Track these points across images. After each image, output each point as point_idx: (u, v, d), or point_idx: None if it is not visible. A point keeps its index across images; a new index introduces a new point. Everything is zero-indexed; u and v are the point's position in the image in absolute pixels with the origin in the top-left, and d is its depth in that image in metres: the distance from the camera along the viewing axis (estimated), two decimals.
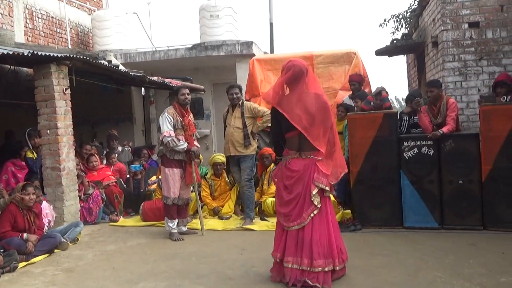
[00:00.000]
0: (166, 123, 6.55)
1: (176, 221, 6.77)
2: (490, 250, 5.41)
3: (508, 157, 6.10)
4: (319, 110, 4.54)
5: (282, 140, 4.74)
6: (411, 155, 6.52)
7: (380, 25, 16.17)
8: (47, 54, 6.80)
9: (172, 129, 6.53)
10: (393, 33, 15.65)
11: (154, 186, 8.75)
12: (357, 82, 7.95)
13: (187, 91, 6.78)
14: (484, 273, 4.67)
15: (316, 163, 4.52)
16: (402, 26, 15.23)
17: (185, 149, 6.59)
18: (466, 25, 7.87)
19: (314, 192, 4.46)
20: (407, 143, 6.55)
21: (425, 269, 4.86)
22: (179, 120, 6.61)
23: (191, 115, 6.93)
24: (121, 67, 9.71)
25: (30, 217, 6.11)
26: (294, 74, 4.58)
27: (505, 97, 6.55)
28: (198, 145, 6.94)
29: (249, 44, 11.64)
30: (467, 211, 6.33)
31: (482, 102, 6.52)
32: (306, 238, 4.47)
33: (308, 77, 4.63)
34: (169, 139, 6.48)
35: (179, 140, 6.53)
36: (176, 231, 6.73)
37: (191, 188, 7.00)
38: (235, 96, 7.29)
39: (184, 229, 6.93)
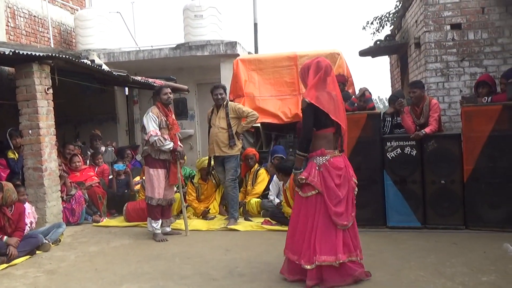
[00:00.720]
0: (152, 122, 6.50)
1: (160, 221, 6.72)
2: (472, 249, 5.47)
3: (489, 157, 6.18)
4: (344, 110, 4.73)
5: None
6: (394, 155, 6.57)
7: (364, 27, 16.30)
8: (29, 53, 6.71)
9: (158, 129, 6.50)
10: (374, 33, 15.80)
11: (138, 186, 8.71)
12: (341, 82, 7.96)
13: (169, 90, 6.77)
14: (466, 272, 4.72)
15: (346, 159, 4.71)
16: (383, 27, 15.37)
17: (171, 148, 6.55)
18: (448, 27, 7.96)
19: (356, 188, 4.70)
20: (390, 143, 6.60)
21: (408, 268, 4.90)
22: (163, 119, 6.57)
23: (173, 115, 6.94)
24: (104, 67, 9.63)
25: (6, 219, 5.98)
26: (326, 73, 4.62)
27: (486, 98, 6.63)
28: (181, 145, 6.92)
29: (233, 44, 11.63)
30: (449, 210, 6.39)
31: (464, 103, 6.60)
32: (357, 231, 4.67)
33: (331, 77, 4.68)
34: (156, 138, 6.43)
35: (165, 139, 6.51)
36: (160, 231, 6.68)
37: (175, 188, 6.97)
38: (219, 96, 7.28)
39: (168, 229, 6.90)
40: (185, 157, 8.44)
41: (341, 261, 4.41)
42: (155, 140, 6.44)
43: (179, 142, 6.85)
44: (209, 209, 7.99)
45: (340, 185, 4.55)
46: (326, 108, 4.49)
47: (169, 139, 6.59)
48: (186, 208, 7.97)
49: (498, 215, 6.16)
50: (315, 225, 4.50)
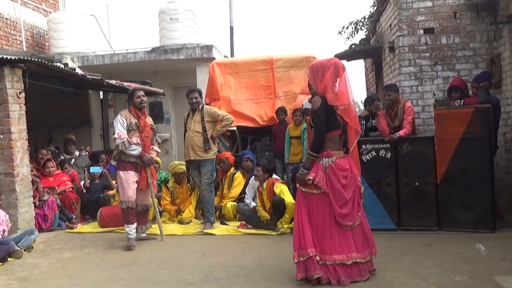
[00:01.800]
0: (118, 125, 6.42)
1: (134, 225, 6.56)
2: (445, 250, 5.54)
3: (461, 159, 6.27)
4: (354, 110, 4.81)
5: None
6: (369, 158, 6.63)
7: (339, 32, 16.45)
8: (0, 56, 6.59)
9: (125, 131, 6.39)
10: (348, 38, 15.96)
11: (113, 191, 8.61)
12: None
13: (142, 93, 6.65)
14: (440, 272, 4.78)
15: (351, 159, 4.74)
16: (357, 32, 15.54)
17: (137, 155, 6.44)
18: (422, 31, 8.07)
19: (363, 188, 4.77)
20: (365, 146, 6.65)
21: (383, 270, 4.93)
22: (133, 121, 6.46)
23: (149, 118, 6.86)
24: (78, 70, 9.50)
25: None
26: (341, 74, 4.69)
27: (459, 101, 6.75)
28: (159, 150, 6.88)
29: (209, 48, 11.61)
30: (423, 212, 6.48)
31: (437, 106, 6.70)
32: (366, 229, 4.75)
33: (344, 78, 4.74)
34: (120, 141, 6.34)
35: (130, 144, 6.38)
36: (133, 236, 6.51)
37: (150, 193, 6.85)
38: (194, 100, 7.26)
39: (143, 235, 6.83)
40: (160, 161, 8.38)
41: (355, 260, 4.55)
42: (119, 143, 6.35)
43: (156, 146, 6.83)
44: (181, 207, 7.95)
45: (346, 186, 4.62)
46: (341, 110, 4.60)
47: (138, 140, 6.47)
48: (161, 213, 7.94)
49: (470, 216, 6.26)
50: (322, 225, 4.58)
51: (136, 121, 6.48)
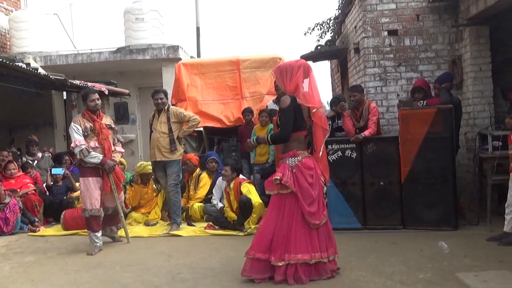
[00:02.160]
0: (73, 133, 6.15)
1: (99, 233, 6.28)
2: (409, 248, 5.64)
3: (424, 159, 6.40)
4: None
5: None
6: (335, 158, 6.69)
7: (305, 33, 16.56)
8: None
9: (82, 138, 6.12)
10: (318, 40, 16.09)
11: (77, 193, 8.45)
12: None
13: (96, 96, 6.33)
14: (404, 270, 4.86)
15: (315, 160, 4.78)
16: (325, 33, 15.67)
17: (98, 163, 6.15)
18: (386, 33, 8.20)
19: (325, 188, 4.81)
20: (331, 146, 6.71)
21: (349, 269, 4.98)
22: (88, 126, 6.19)
23: (107, 118, 6.60)
24: (41, 70, 9.31)
25: None
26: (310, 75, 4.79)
27: (422, 101, 6.89)
28: (122, 150, 6.68)
29: (175, 48, 11.54)
30: (388, 211, 6.58)
31: (401, 106, 6.82)
32: (330, 229, 4.82)
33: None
34: (78, 150, 6.07)
35: (88, 151, 6.09)
36: (99, 244, 6.25)
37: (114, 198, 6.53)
38: (160, 101, 7.20)
39: (116, 235, 6.74)
40: (125, 162, 8.27)
41: (317, 260, 4.58)
42: (77, 152, 6.10)
43: (119, 147, 6.58)
44: (149, 213, 7.90)
45: (312, 185, 4.68)
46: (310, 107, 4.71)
47: (96, 143, 6.20)
48: (126, 216, 7.85)
49: (433, 214, 6.39)
50: (289, 224, 4.61)
51: (91, 125, 6.21)
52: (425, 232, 6.28)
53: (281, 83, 4.79)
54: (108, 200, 6.42)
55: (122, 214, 6.65)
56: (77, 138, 6.10)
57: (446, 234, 6.06)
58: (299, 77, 4.68)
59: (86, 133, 6.16)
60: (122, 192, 6.82)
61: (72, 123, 6.25)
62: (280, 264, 4.55)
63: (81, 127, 6.16)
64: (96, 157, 6.13)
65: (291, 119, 4.62)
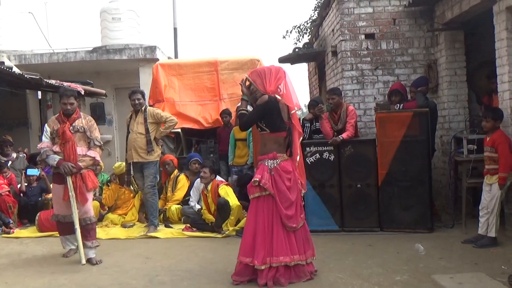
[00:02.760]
0: (43, 135, 5.97)
1: (68, 236, 5.97)
2: (386, 250, 5.70)
3: (401, 161, 6.47)
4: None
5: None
6: (313, 160, 6.72)
7: (284, 36, 16.59)
8: None
9: (47, 140, 5.84)
10: (296, 43, 16.15)
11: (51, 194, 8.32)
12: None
13: (71, 100, 5.80)
14: (381, 272, 4.91)
15: (294, 163, 4.81)
16: (303, 36, 15.73)
17: (54, 165, 5.74)
18: (363, 36, 8.26)
19: (303, 191, 4.86)
20: (309, 148, 6.74)
21: (327, 271, 5.01)
22: (55, 127, 5.82)
23: (84, 120, 5.90)
24: (15, 69, 9.16)
25: None
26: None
27: (398, 105, 6.97)
28: (93, 155, 5.83)
29: (152, 49, 11.47)
30: (365, 213, 6.63)
31: (378, 109, 6.88)
32: (308, 231, 4.84)
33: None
34: (42, 151, 5.84)
35: (47, 154, 5.77)
36: (72, 246, 6.00)
37: (88, 205, 5.88)
38: (137, 102, 7.14)
39: (72, 247, 6.03)
40: (102, 164, 8.16)
41: (296, 262, 4.62)
42: (41, 153, 5.86)
43: (90, 153, 5.83)
44: (126, 215, 7.83)
45: (290, 188, 4.71)
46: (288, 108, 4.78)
47: (58, 148, 5.75)
48: (102, 217, 7.78)
49: (409, 216, 6.47)
50: (270, 227, 4.63)
51: (57, 128, 5.82)
52: (401, 234, 6.35)
53: (259, 85, 4.79)
54: (62, 206, 5.85)
55: (77, 227, 5.67)
56: (43, 140, 5.91)
57: (422, 236, 6.15)
58: (280, 78, 4.77)
59: (53, 135, 5.84)
60: (89, 203, 5.92)
61: (45, 124, 6.07)
62: (262, 268, 4.56)
63: (50, 128, 5.88)
64: (53, 158, 5.75)
65: (260, 113, 4.71)
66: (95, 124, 6.05)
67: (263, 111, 4.70)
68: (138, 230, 7.31)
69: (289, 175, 4.72)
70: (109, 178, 8.25)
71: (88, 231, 5.77)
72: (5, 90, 9.44)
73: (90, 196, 5.94)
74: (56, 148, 5.77)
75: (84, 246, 5.71)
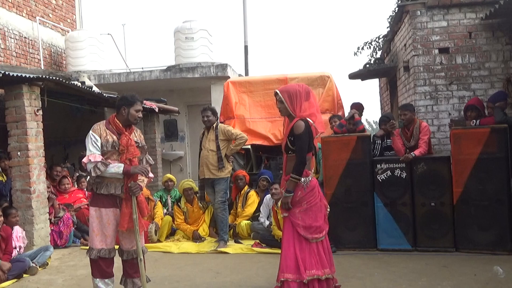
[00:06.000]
0: (89, 145, 4.65)
1: (111, 279, 4.84)
2: (462, 272, 5.46)
3: (478, 179, 6.21)
4: None
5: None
6: (384, 178, 6.59)
7: (355, 53, 16.42)
8: (19, 74, 6.70)
9: (98, 153, 4.59)
10: (370, 60, 15.91)
11: None
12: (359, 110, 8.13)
13: (142, 107, 4.88)
14: None
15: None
16: (376, 53, 15.51)
17: (121, 172, 4.57)
18: (437, 51, 8.07)
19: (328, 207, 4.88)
20: (380, 165, 6.62)
21: None
22: (110, 140, 4.65)
23: (137, 133, 4.93)
24: (95, 88, 9.62)
25: None
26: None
27: (475, 121, 6.70)
28: (151, 175, 4.90)
29: (224, 67, 11.69)
30: (439, 233, 6.40)
31: (453, 126, 6.67)
32: (329, 246, 4.82)
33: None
34: (91, 166, 4.53)
35: (106, 165, 4.57)
36: None
37: (141, 235, 4.90)
38: (206, 119, 7.30)
39: None
40: (175, 179, 8.31)
41: (327, 276, 4.61)
42: (91, 169, 4.55)
43: (143, 179, 4.77)
44: (198, 231, 7.93)
45: (318, 204, 4.73)
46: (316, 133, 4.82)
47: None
48: (174, 232, 7.95)
49: (488, 237, 6.18)
50: (299, 242, 4.65)
51: (115, 139, 4.68)
52: (478, 256, 6.08)
53: (290, 106, 4.74)
54: (125, 239, 4.79)
55: (142, 257, 4.73)
56: (93, 151, 4.60)
57: (501, 258, 5.85)
58: (312, 103, 4.78)
59: (105, 149, 4.64)
60: (142, 233, 4.90)
61: (90, 132, 4.73)
62: (304, 281, 4.53)
63: (100, 138, 4.66)
64: (115, 166, 4.59)
65: (306, 145, 4.67)
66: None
67: (306, 137, 4.67)
68: (209, 245, 7.43)
69: (317, 189, 4.78)
70: (179, 196, 8.41)
71: (137, 265, 4.76)
72: (86, 108, 9.92)
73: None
74: (109, 161, 4.63)
75: (134, 285, 4.88)
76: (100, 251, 4.69)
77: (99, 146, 4.62)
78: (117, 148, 4.63)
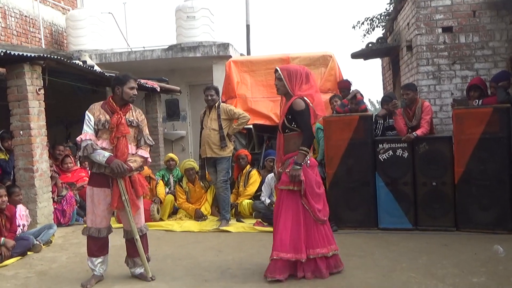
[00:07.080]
0: (85, 123, 4.77)
1: (99, 259, 4.93)
2: (462, 250, 5.50)
3: (480, 159, 6.22)
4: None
5: None
6: (386, 157, 6.60)
7: (353, 26, 16.30)
8: (20, 53, 6.68)
9: (91, 131, 4.71)
10: (365, 35, 15.85)
11: None
12: (346, 88, 8.14)
13: (136, 84, 4.96)
14: (457, 273, 4.75)
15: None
16: (373, 29, 15.41)
17: (103, 162, 4.65)
18: (440, 30, 8.00)
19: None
20: (382, 145, 6.63)
21: (399, 270, 4.92)
22: (102, 118, 4.74)
23: (135, 113, 4.95)
24: (96, 68, 9.60)
25: (2, 220, 5.99)
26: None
27: (477, 100, 6.67)
28: (145, 155, 4.94)
29: (225, 46, 11.63)
30: (440, 212, 6.44)
31: (455, 105, 6.65)
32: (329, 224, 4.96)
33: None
34: (84, 144, 4.68)
35: (94, 148, 4.67)
36: (97, 273, 4.94)
37: (139, 214, 4.99)
38: (210, 98, 7.29)
39: (138, 271, 5.05)
40: (177, 159, 8.31)
41: (333, 252, 4.77)
42: (83, 148, 4.69)
43: (143, 151, 4.94)
44: (201, 209, 7.97)
45: (319, 182, 4.85)
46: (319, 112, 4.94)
47: (107, 144, 4.75)
48: (177, 211, 8.00)
49: (488, 217, 6.21)
50: (305, 219, 4.73)
51: (108, 118, 4.75)
52: (479, 235, 6.11)
53: (289, 85, 4.82)
54: (124, 219, 4.97)
55: (138, 238, 4.89)
56: (86, 130, 4.73)
57: (501, 238, 5.87)
58: (312, 85, 4.88)
59: (97, 127, 4.74)
60: (141, 211, 5.01)
61: (86, 111, 4.83)
62: (303, 261, 4.65)
63: (94, 118, 4.76)
64: (101, 154, 4.67)
65: (310, 119, 4.76)
66: (145, 119, 5.15)
67: (308, 112, 4.75)
68: (211, 224, 7.48)
69: (316, 169, 4.87)
70: (181, 175, 8.44)
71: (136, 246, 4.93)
72: (87, 87, 9.91)
73: (140, 203, 4.98)
74: (103, 143, 4.74)
75: (134, 264, 5.05)
76: (90, 230, 4.83)
77: (92, 125, 4.74)
78: (107, 127, 4.72)
